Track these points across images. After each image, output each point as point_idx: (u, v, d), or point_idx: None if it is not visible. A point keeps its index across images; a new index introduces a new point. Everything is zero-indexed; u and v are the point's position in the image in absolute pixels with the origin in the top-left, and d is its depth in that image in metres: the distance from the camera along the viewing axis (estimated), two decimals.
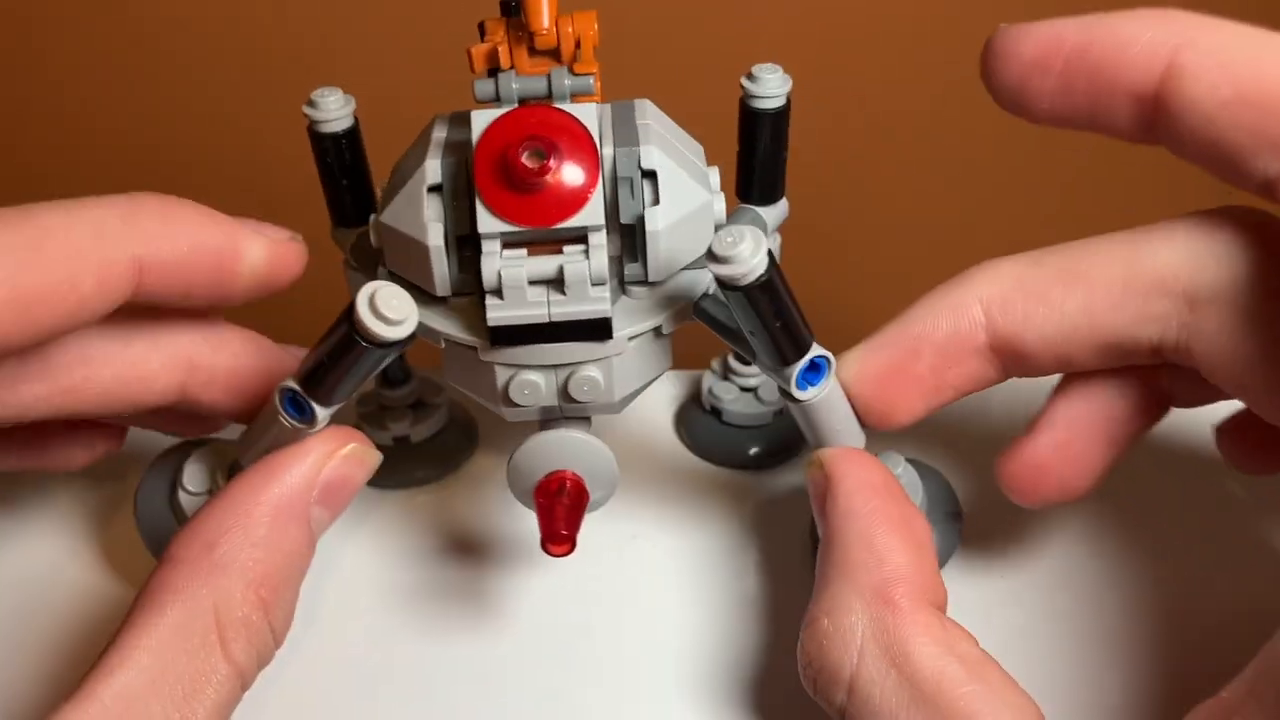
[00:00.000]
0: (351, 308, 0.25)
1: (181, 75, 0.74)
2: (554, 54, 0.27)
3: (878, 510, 0.27)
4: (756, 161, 0.31)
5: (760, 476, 0.37)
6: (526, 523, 0.33)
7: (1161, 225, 0.27)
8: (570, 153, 0.26)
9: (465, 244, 0.27)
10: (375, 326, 0.24)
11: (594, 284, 0.26)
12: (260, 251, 0.27)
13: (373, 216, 0.28)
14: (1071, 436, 0.29)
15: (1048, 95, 0.26)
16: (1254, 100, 0.24)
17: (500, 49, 0.26)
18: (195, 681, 0.24)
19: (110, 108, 0.74)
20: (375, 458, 0.28)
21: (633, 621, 0.32)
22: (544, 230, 0.26)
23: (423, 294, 0.28)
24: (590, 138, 0.26)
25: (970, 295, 0.28)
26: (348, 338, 0.25)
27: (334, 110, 0.31)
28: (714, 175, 0.29)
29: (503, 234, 0.26)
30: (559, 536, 0.27)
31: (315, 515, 0.27)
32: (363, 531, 0.35)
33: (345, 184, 0.32)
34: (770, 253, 0.25)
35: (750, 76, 0.30)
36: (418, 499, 0.36)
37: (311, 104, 0.31)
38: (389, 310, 0.24)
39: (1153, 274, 0.27)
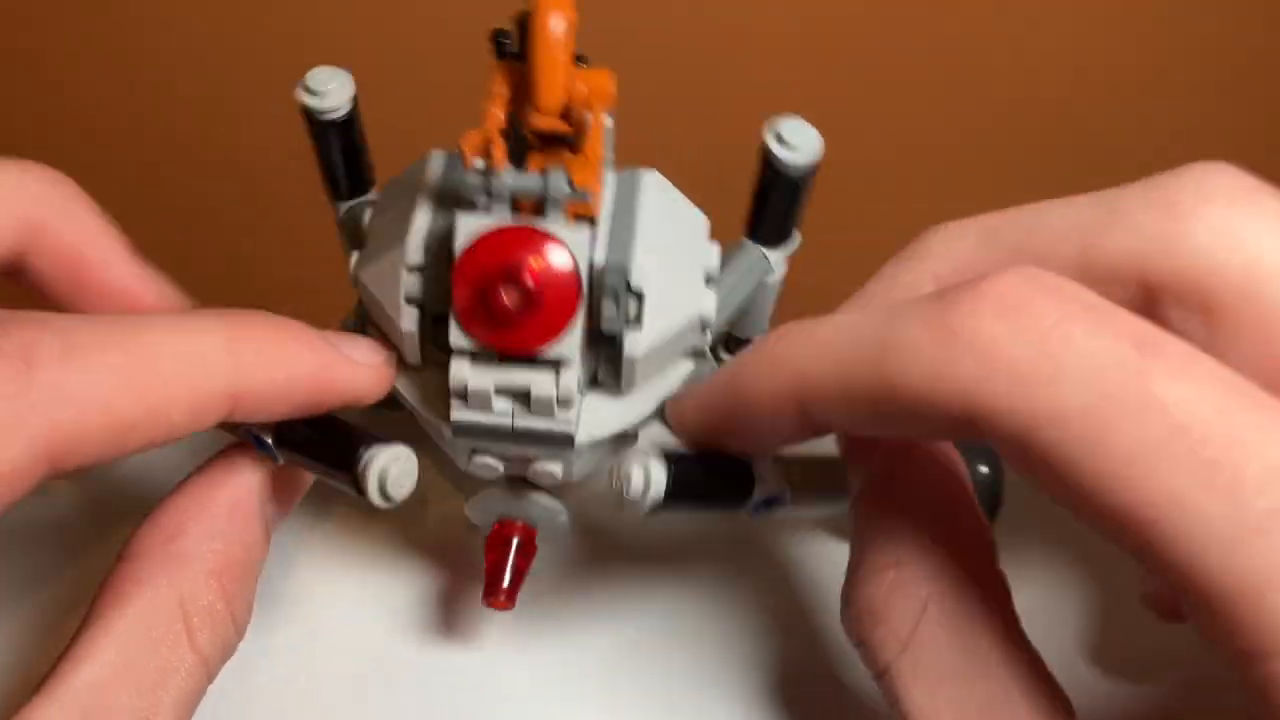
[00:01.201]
0: (359, 475, 0.25)
1: (165, 49, 0.71)
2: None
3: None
4: (771, 215, 0.29)
5: None
6: None
7: (1116, 194, 0.24)
8: (554, 289, 0.24)
9: (441, 319, 0.26)
10: (379, 500, 0.26)
11: (560, 406, 0.25)
12: (353, 384, 0.26)
13: (353, 257, 0.27)
14: None
15: None
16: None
17: (494, 148, 0.24)
18: (162, 672, 0.25)
19: (96, 91, 0.72)
20: (276, 461, 0.28)
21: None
22: (511, 354, 0.25)
23: (394, 348, 0.27)
24: (576, 275, 0.24)
25: (924, 275, 0.26)
26: (346, 485, 0.26)
27: (334, 98, 0.28)
28: (714, 255, 0.27)
29: (474, 351, 0.25)
30: (500, 594, 0.28)
31: (269, 511, 0.28)
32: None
33: (341, 165, 0.30)
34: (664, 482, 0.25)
35: (779, 138, 0.28)
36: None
37: (310, 91, 0.28)
38: (396, 491, 0.26)
39: (1108, 260, 0.23)
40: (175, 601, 0.26)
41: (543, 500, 0.29)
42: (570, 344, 0.25)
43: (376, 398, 0.27)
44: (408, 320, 0.26)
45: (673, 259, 0.26)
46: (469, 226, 0.24)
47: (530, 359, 0.25)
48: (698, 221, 0.28)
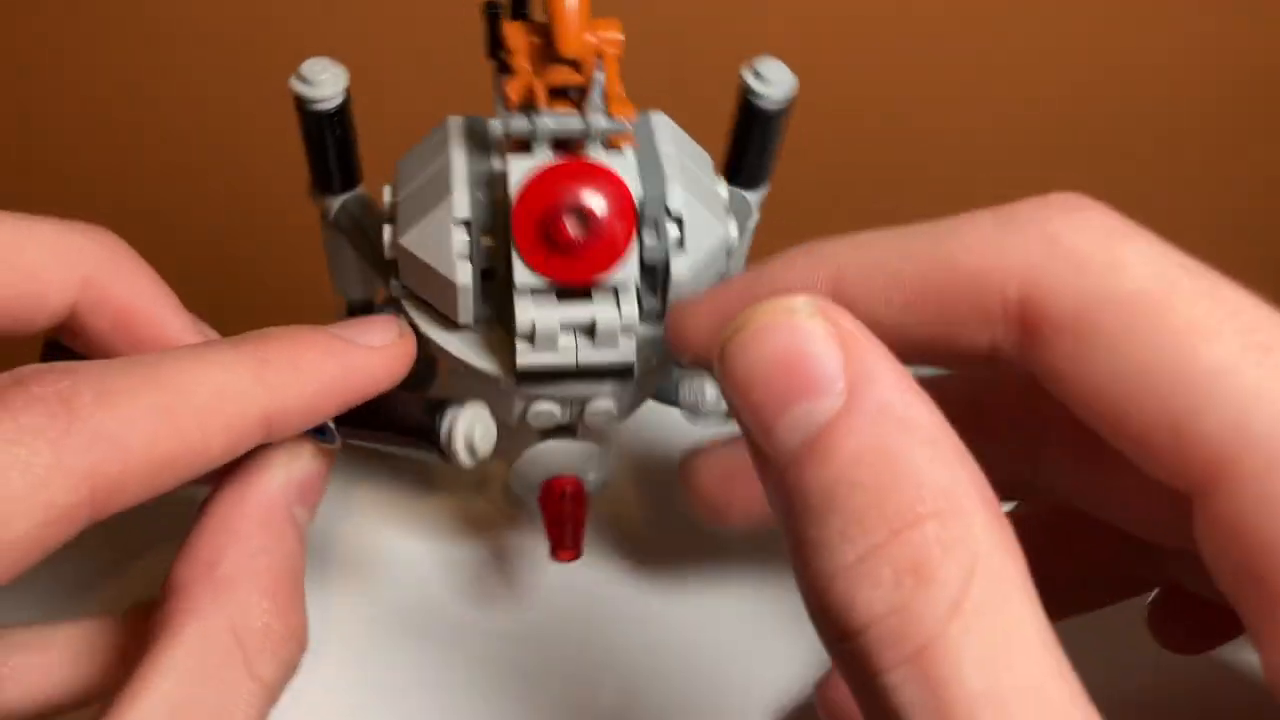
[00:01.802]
0: (446, 438, 0.26)
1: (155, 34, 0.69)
2: (574, 66, 0.26)
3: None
4: (751, 153, 0.32)
5: None
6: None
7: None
8: (611, 214, 0.26)
9: (488, 275, 0.27)
10: (466, 459, 0.26)
11: (623, 334, 0.27)
12: (377, 373, 0.26)
13: (387, 230, 0.28)
14: None
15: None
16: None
17: (536, 87, 0.25)
18: (222, 706, 0.24)
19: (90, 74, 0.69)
20: (336, 445, 0.28)
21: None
22: (575, 287, 0.26)
23: (438, 315, 0.28)
24: (630, 198, 0.26)
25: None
26: (425, 449, 0.26)
27: (328, 88, 0.29)
28: (723, 190, 0.29)
29: (535, 288, 0.26)
30: (566, 546, 0.29)
31: (297, 515, 0.27)
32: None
33: (334, 158, 0.30)
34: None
35: (756, 74, 0.30)
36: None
37: (303, 79, 0.29)
38: (484, 446, 0.26)
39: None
40: (228, 629, 0.25)
41: (579, 447, 0.30)
42: (630, 268, 0.26)
43: (401, 376, 0.27)
44: (463, 274, 0.26)
45: (698, 189, 0.28)
46: (522, 166, 0.26)
47: (587, 293, 0.26)
48: (706, 158, 0.30)
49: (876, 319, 0.23)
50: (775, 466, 0.20)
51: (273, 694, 0.25)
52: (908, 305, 0.23)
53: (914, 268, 0.23)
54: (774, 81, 0.30)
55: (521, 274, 0.26)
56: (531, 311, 0.26)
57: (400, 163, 0.29)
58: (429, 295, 0.28)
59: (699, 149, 0.30)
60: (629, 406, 0.29)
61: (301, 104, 0.29)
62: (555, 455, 0.30)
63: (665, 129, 0.29)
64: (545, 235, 0.26)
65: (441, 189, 0.27)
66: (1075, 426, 0.23)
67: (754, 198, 0.33)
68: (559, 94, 0.26)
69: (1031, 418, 0.27)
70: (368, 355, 0.26)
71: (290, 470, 0.27)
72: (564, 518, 0.29)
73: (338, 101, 0.29)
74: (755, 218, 0.33)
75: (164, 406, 0.23)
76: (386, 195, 0.29)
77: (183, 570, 0.25)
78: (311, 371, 0.25)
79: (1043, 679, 0.18)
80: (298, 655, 0.26)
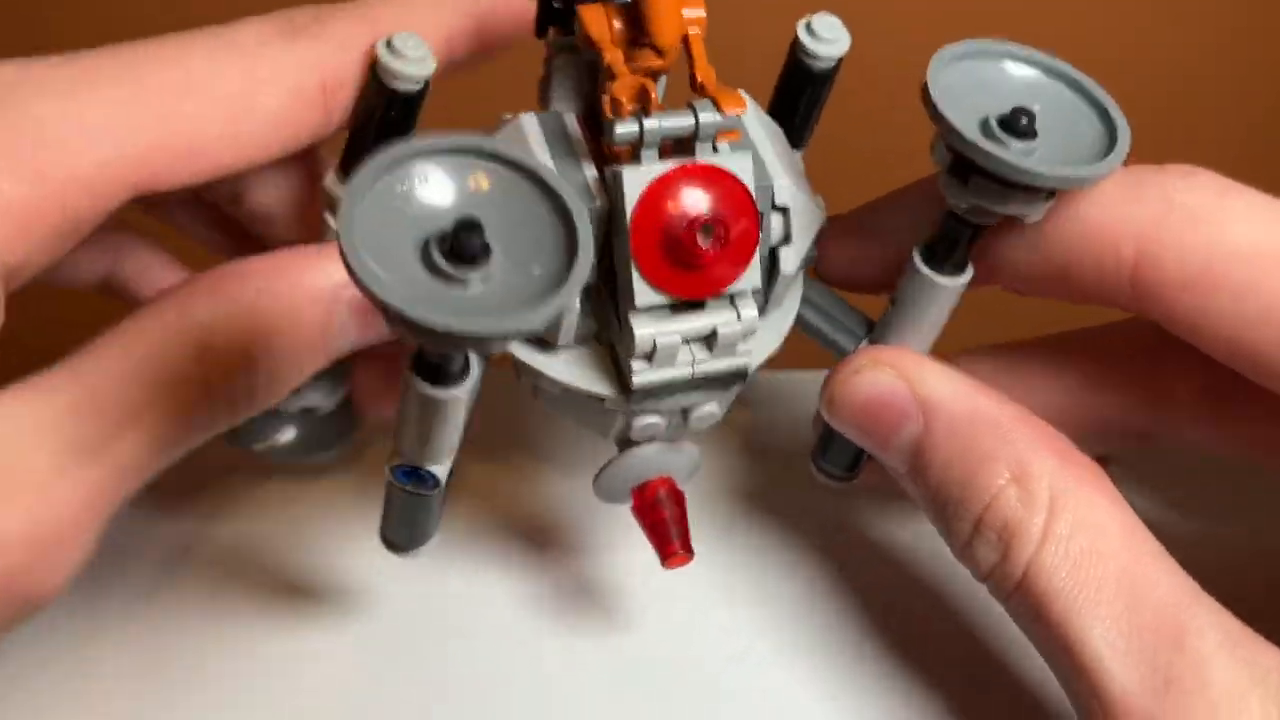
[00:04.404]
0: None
1: None
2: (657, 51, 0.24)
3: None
4: (800, 114, 0.29)
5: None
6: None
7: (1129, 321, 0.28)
8: (738, 221, 0.24)
9: (586, 292, 0.24)
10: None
11: (743, 340, 0.25)
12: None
13: None
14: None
15: None
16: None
17: (649, 87, 0.23)
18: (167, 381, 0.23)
19: None
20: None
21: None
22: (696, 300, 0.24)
23: (531, 338, 0.25)
24: (752, 202, 0.24)
25: None
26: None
27: (415, 67, 0.25)
28: (800, 160, 0.28)
29: (654, 306, 0.24)
30: (676, 550, 0.27)
31: (340, 317, 0.25)
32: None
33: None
34: None
35: (810, 31, 0.28)
36: None
37: (393, 50, 0.25)
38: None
39: (1129, 356, 0.29)
40: (194, 326, 0.23)
41: (673, 450, 0.28)
42: (754, 273, 0.24)
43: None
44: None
45: (792, 171, 0.26)
46: (637, 179, 0.23)
47: (701, 301, 0.25)
48: (780, 131, 0.28)
49: (1003, 262, 0.26)
50: (902, 480, 0.27)
51: (212, 401, 0.24)
52: (1027, 258, 0.26)
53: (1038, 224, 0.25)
54: (830, 40, 0.28)
55: (643, 293, 0.24)
56: (650, 328, 0.24)
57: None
58: None
59: (773, 122, 0.28)
60: (728, 404, 0.28)
61: (379, 75, 0.25)
62: (648, 462, 0.28)
63: (753, 112, 0.26)
64: (669, 251, 0.23)
65: None
66: (1204, 382, 0.27)
67: (797, 160, 0.31)
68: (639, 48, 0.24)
69: (1155, 376, 0.28)
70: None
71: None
72: (668, 522, 0.28)
73: (419, 87, 0.26)
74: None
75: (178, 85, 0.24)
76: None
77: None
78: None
79: (1126, 563, 0.23)
80: (242, 407, 0.25)
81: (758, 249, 0.24)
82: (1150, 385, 0.29)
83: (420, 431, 0.24)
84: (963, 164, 0.24)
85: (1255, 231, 0.24)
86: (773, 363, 0.27)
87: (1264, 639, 0.23)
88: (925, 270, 0.26)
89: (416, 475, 0.25)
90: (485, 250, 0.19)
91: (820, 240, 0.27)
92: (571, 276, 0.19)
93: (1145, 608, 0.23)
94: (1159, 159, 0.26)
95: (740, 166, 0.24)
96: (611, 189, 0.23)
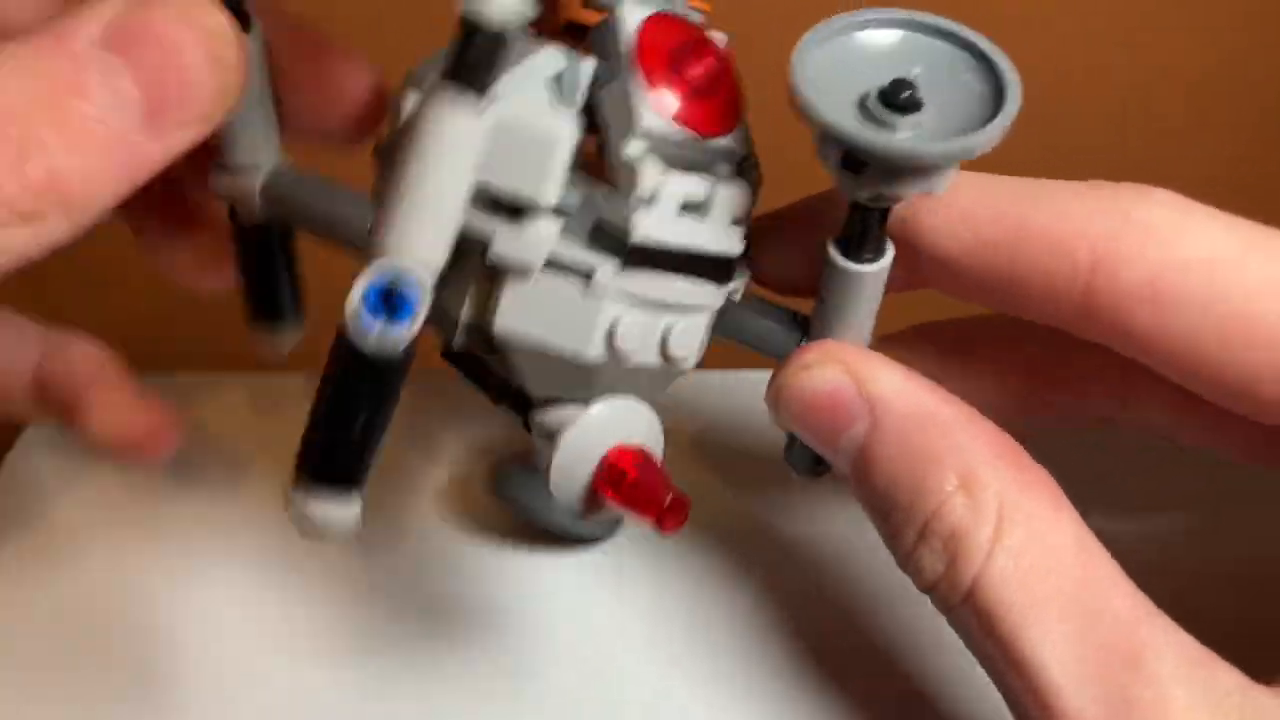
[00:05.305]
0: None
1: None
2: None
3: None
4: None
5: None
6: None
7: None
8: (728, 68, 0.24)
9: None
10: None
11: (733, 219, 0.24)
12: None
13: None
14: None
15: None
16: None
17: None
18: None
19: None
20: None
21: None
22: (696, 140, 0.23)
23: (500, 211, 0.22)
24: (728, 51, 0.24)
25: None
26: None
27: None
28: None
29: (657, 136, 0.23)
30: (670, 508, 0.23)
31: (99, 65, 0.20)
32: None
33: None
34: None
35: None
36: None
37: None
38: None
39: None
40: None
41: (628, 405, 0.25)
42: (746, 133, 0.24)
43: None
44: (567, 124, 0.22)
45: None
46: (639, 8, 0.23)
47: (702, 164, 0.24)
48: None
49: (944, 252, 0.25)
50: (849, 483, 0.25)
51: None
52: (975, 249, 0.25)
53: (987, 214, 0.25)
54: None
55: (647, 114, 0.23)
56: (652, 169, 0.23)
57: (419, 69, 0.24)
58: (506, 171, 0.22)
59: None
60: (703, 347, 0.26)
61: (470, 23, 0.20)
62: (608, 424, 0.24)
63: None
64: (678, 66, 0.23)
65: (518, 52, 0.22)
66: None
67: None
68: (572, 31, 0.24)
69: (1118, 367, 0.27)
70: None
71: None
72: (651, 482, 0.24)
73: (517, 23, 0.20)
74: None
75: None
76: (410, 104, 0.23)
77: None
78: None
79: (1079, 578, 0.23)
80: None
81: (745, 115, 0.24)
82: (1112, 379, 0.28)
83: (418, 188, 0.20)
84: (851, 157, 0.23)
85: (1215, 244, 0.24)
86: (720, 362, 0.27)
87: (1221, 659, 0.22)
88: (843, 262, 0.25)
89: (390, 301, 0.20)
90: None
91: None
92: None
93: (1100, 625, 0.22)
94: (1160, 164, 0.26)
95: (717, 36, 0.24)
96: (606, 27, 0.23)
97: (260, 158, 0.26)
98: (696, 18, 0.25)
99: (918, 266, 0.26)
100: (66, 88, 0.20)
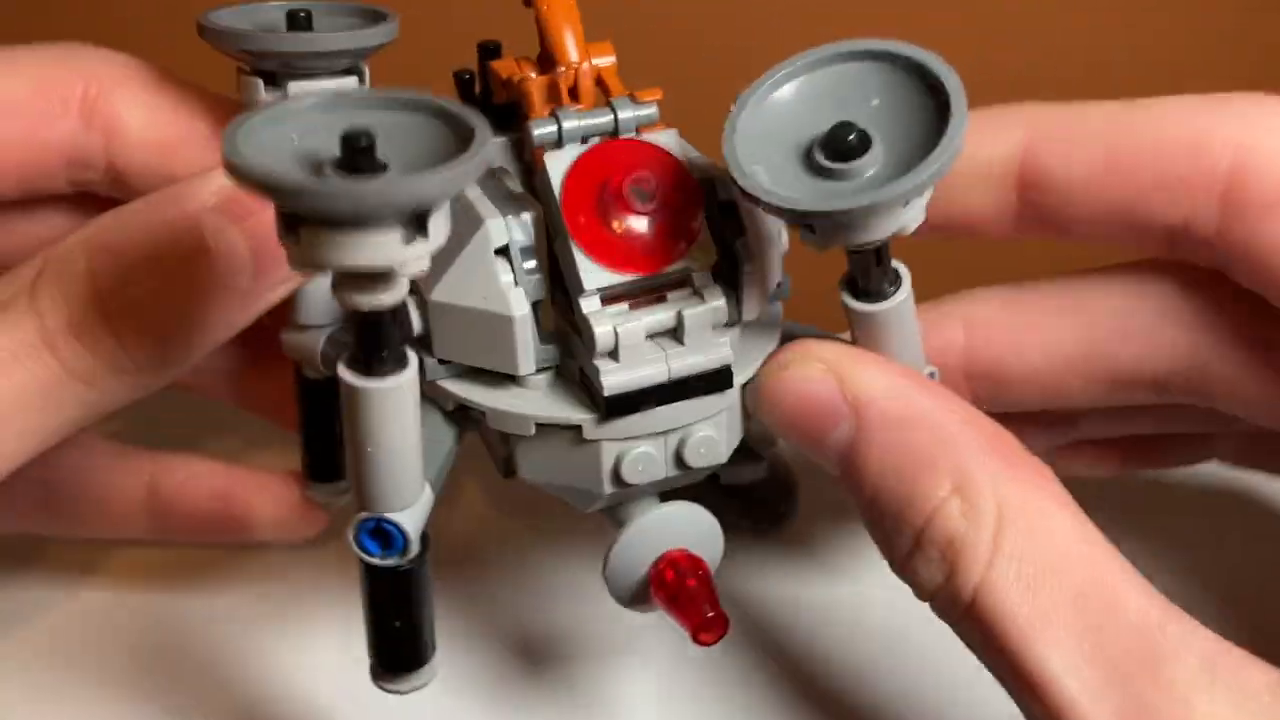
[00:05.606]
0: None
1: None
2: (572, 94, 0.25)
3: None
4: None
5: None
6: None
7: (1145, 264, 0.27)
8: (671, 182, 0.23)
9: (535, 311, 0.24)
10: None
11: (714, 328, 0.24)
12: None
13: (410, 297, 0.24)
14: None
15: None
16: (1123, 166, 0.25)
17: (560, 83, 0.24)
18: None
19: None
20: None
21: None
22: (648, 278, 0.24)
23: (491, 378, 0.25)
24: (684, 167, 0.24)
25: (951, 313, 0.27)
26: None
27: None
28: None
29: (605, 289, 0.23)
30: (708, 622, 0.24)
31: (213, 223, 0.23)
32: None
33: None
34: None
35: None
36: None
37: None
38: None
39: (1158, 301, 0.26)
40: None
41: (671, 515, 0.25)
42: (706, 247, 0.24)
43: None
44: (518, 303, 0.23)
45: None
46: (560, 159, 0.23)
47: (662, 297, 0.24)
48: None
49: (1060, 182, 0.25)
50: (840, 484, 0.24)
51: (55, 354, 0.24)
52: (1096, 174, 0.25)
53: (1113, 135, 0.25)
54: None
55: (588, 274, 0.23)
56: (608, 321, 0.23)
57: None
58: (478, 353, 0.24)
59: None
60: (729, 440, 0.25)
61: None
62: (655, 531, 0.25)
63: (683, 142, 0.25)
64: (607, 219, 0.23)
65: (464, 226, 0.23)
66: (1255, 334, 0.26)
67: None
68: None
69: (1190, 323, 0.27)
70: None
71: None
72: (696, 595, 0.24)
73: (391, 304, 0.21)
74: None
75: None
76: None
77: None
78: None
79: (1086, 580, 0.21)
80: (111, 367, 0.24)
81: (701, 214, 0.24)
82: (1187, 333, 0.26)
83: (369, 456, 0.22)
84: (796, 218, 0.22)
85: None
86: None
87: (1251, 655, 0.20)
88: (856, 305, 0.24)
89: (382, 534, 0.23)
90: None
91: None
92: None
93: (1112, 628, 0.21)
94: None
95: (665, 140, 0.24)
96: (540, 181, 0.24)
97: (325, 318, 0.28)
98: (646, 115, 0.24)
99: (1040, 203, 0.26)
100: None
